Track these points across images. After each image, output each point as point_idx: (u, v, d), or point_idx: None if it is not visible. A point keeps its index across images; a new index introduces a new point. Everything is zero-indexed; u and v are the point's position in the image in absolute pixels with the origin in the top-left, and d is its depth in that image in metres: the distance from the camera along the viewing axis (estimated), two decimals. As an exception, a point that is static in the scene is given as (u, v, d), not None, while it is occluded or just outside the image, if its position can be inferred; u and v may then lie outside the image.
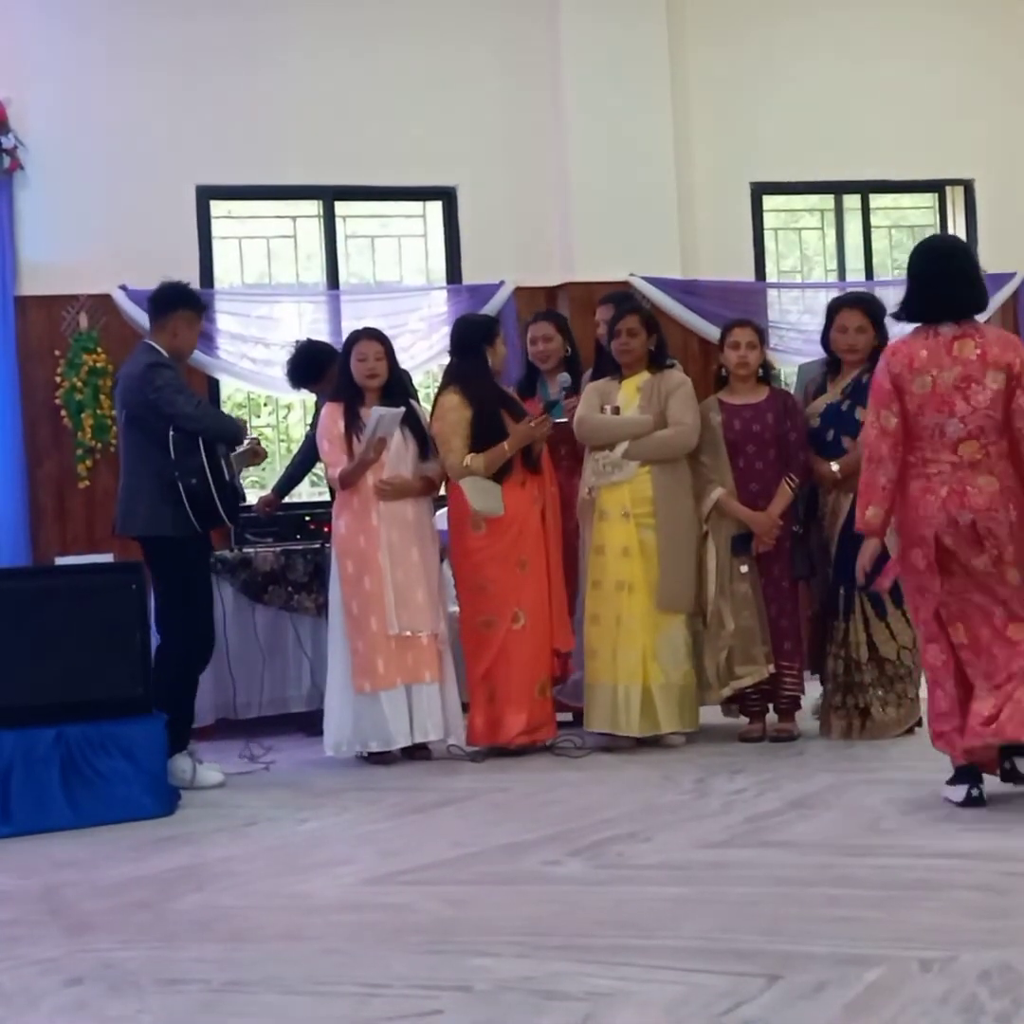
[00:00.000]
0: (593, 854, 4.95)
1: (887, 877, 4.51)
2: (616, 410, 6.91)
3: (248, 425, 7.20)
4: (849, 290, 9.02)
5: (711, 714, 7.16)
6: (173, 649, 6.48)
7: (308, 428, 7.78)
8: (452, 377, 7.02)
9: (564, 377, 7.33)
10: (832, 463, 6.79)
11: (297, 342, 7.77)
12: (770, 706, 7.03)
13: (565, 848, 5.04)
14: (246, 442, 6.90)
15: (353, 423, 6.78)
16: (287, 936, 4.21)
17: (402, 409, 6.78)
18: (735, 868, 4.73)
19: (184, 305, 6.59)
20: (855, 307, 6.94)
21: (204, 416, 6.44)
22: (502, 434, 6.81)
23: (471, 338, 6.99)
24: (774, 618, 6.88)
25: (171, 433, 6.31)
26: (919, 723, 6.87)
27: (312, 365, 7.56)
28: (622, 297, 7.47)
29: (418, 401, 7.20)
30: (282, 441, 9.15)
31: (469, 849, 5.12)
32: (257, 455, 6.88)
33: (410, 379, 7.62)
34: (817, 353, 7.65)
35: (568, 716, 7.29)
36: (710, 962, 3.73)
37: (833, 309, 7.00)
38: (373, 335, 6.95)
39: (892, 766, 6.21)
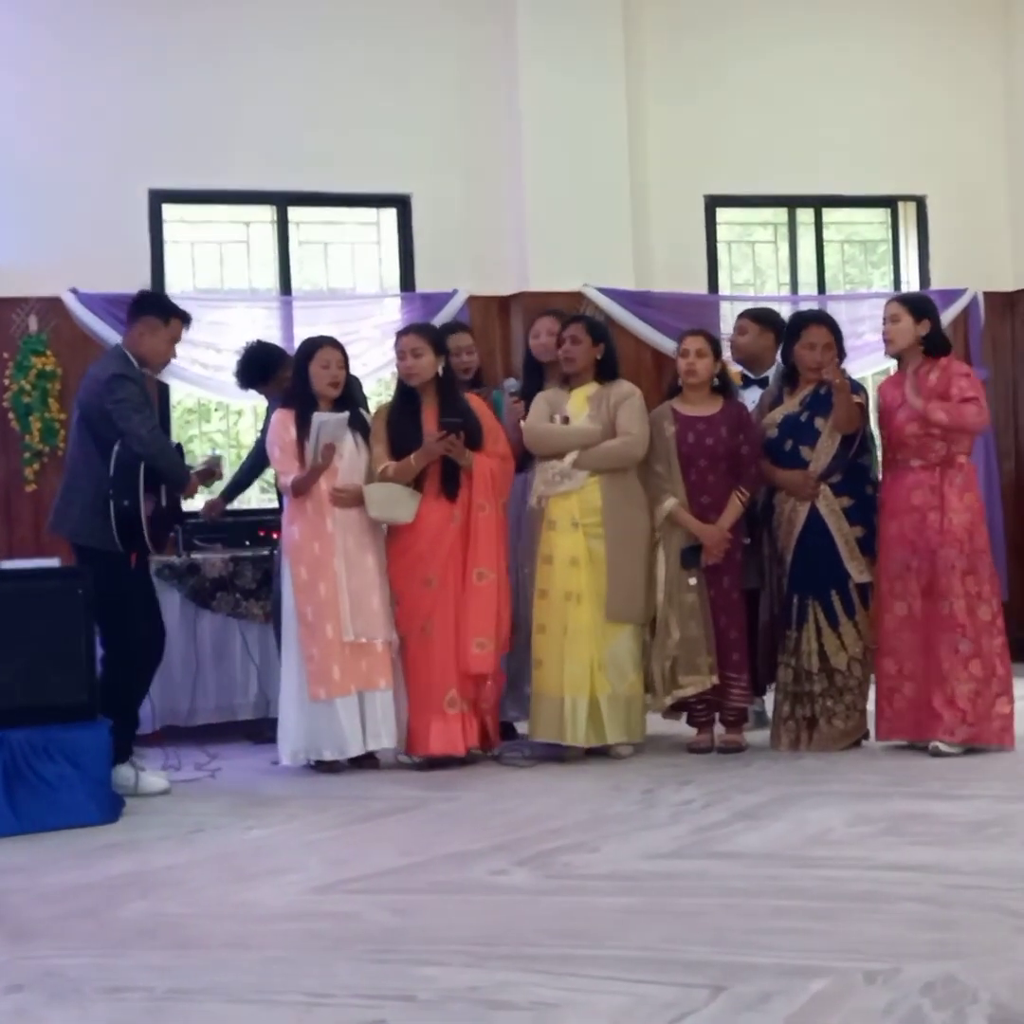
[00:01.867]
0: (540, 864, 4.95)
1: (833, 889, 4.52)
2: (565, 420, 6.91)
3: (218, 455, 7.12)
4: (803, 305, 9.10)
5: (660, 725, 7.17)
6: (115, 656, 6.43)
7: (258, 434, 7.74)
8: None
9: (510, 382, 7.35)
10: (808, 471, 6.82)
11: (247, 343, 7.75)
12: (717, 717, 7.04)
13: (512, 858, 5.03)
14: (201, 462, 6.89)
15: (304, 430, 6.75)
16: (232, 944, 4.18)
17: (345, 414, 6.75)
18: (682, 879, 4.73)
19: (145, 311, 6.52)
20: (822, 324, 6.98)
21: (152, 443, 6.31)
22: (411, 442, 6.80)
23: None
24: (722, 630, 6.89)
25: (116, 447, 6.26)
26: (866, 736, 6.91)
27: (262, 366, 7.54)
28: (562, 313, 7.46)
29: (367, 409, 7.18)
30: (232, 447, 9.10)
31: (416, 858, 5.11)
32: (213, 475, 6.85)
33: (360, 386, 7.61)
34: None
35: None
36: (656, 972, 3.73)
37: (798, 325, 7.04)
38: (335, 344, 6.93)
39: (839, 778, 6.24)
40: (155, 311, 6.54)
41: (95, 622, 6.39)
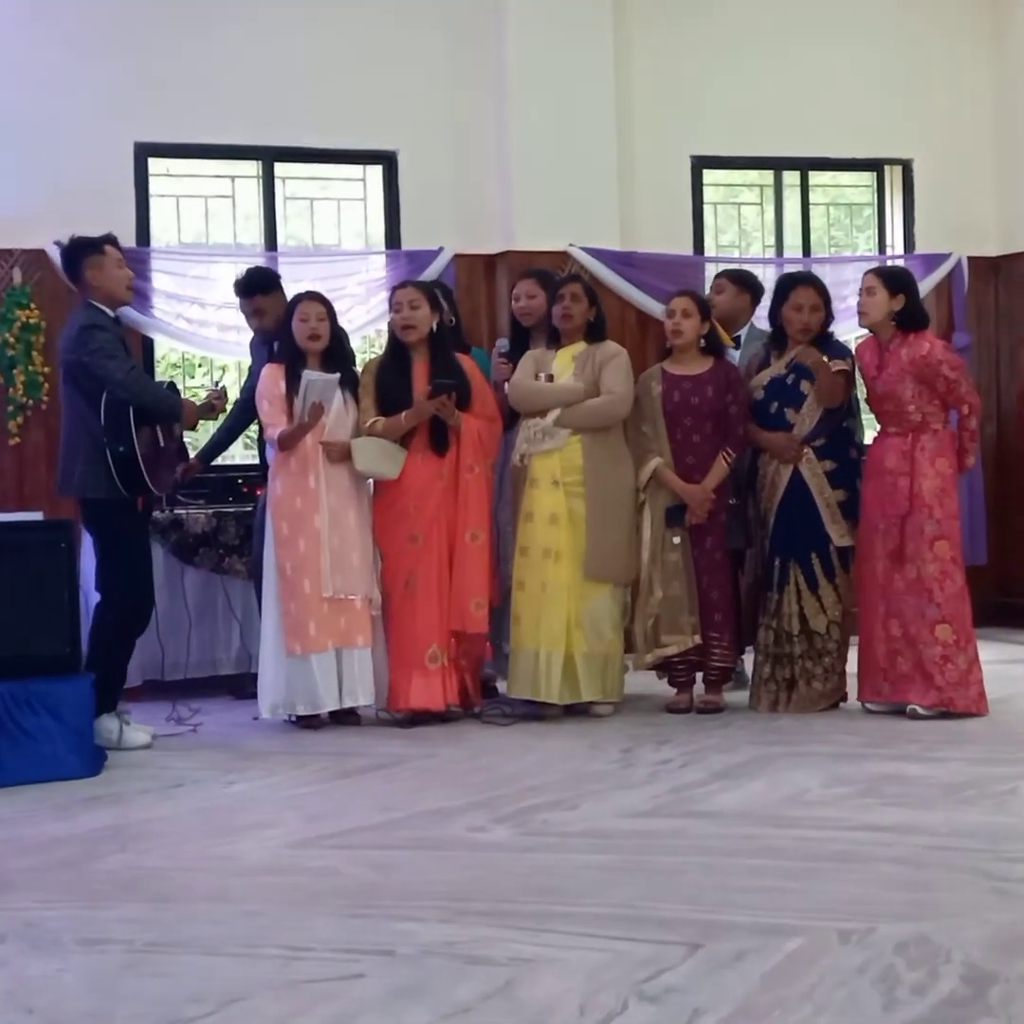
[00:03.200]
0: (519, 821, 4.98)
1: (808, 849, 4.56)
2: (549, 378, 6.92)
3: (219, 386, 7.07)
4: (788, 268, 9.10)
5: (640, 684, 7.21)
6: (109, 609, 6.45)
7: (240, 394, 7.72)
8: None
9: (502, 342, 7.36)
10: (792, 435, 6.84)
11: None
12: (698, 676, 7.08)
13: (491, 815, 5.06)
14: (205, 395, 6.89)
15: (293, 385, 6.75)
16: (211, 898, 4.21)
17: (335, 375, 6.76)
18: (659, 838, 4.77)
19: (80, 256, 6.46)
20: (810, 286, 6.98)
21: (133, 384, 6.31)
22: (402, 398, 6.82)
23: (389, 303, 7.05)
24: (705, 590, 6.92)
25: (104, 396, 6.26)
26: (845, 698, 6.96)
27: (265, 278, 7.57)
28: (543, 273, 7.47)
29: (355, 364, 7.18)
30: (225, 388, 9.07)
31: (395, 814, 5.14)
32: (214, 409, 6.83)
33: (347, 339, 7.61)
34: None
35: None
36: (632, 930, 3.77)
37: (786, 286, 7.01)
38: (316, 297, 6.94)
39: (817, 739, 6.28)
40: (87, 250, 6.46)
41: (101, 572, 6.42)
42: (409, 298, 6.89)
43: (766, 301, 7.36)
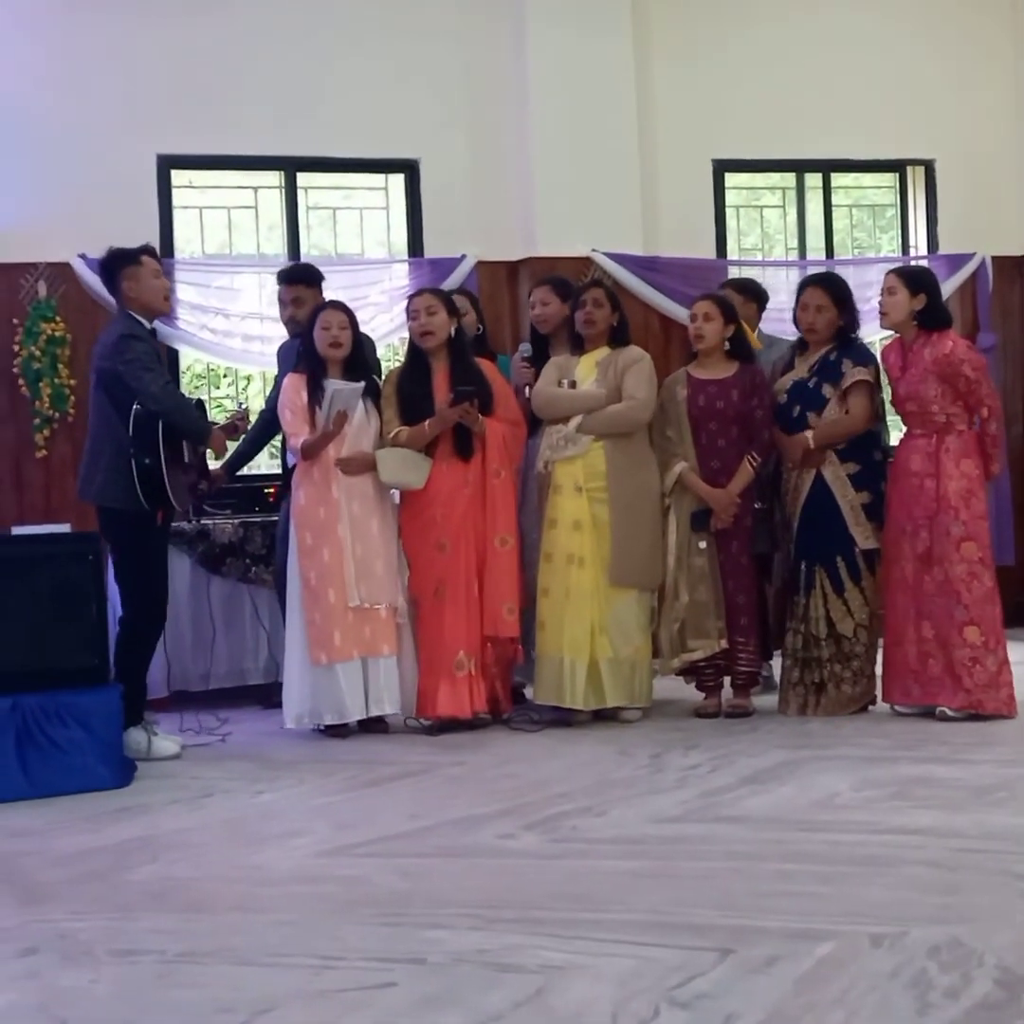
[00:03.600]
0: (548, 828, 4.97)
1: (839, 853, 4.55)
2: (572, 384, 6.92)
3: (245, 408, 7.11)
4: (811, 270, 9.08)
5: (668, 689, 7.20)
6: (135, 619, 6.48)
7: (265, 404, 7.72)
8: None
9: (525, 347, 7.37)
10: (806, 431, 6.82)
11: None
12: (726, 681, 7.06)
13: (520, 822, 5.06)
14: (227, 416, 6.92)
15: (315, 394, 6.77)
16: (241, 907, 4.22)
17: (361, 384, 6.77)
18: (689, 843, 4.76)
19: (119, 266, 6.50)
20: (817, 286, 6.97)
21: (166, 399, 6.32)
22: (423, 407, 6.82)
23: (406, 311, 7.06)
24: (731, 594, 6.91)
25: (135, 407, 6.27)
26: (873, 701, 6.94)
27: (312, 270, 7.60)
28: (559, 280, 7.47)
29: (380, 373, 7.20)
30: (248, 409, 9.09)
31: (424, 822, 5.14)
32: (237, 429, 6.86)
33: (373, 348, 7.62)
34: (782, 330, 7.69)
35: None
36: (663, 936, 3.76)
37: (799, 288, 7.08)
38: (338, 306, 6.96)
39: (845, 742, 6.26)
40: (124, 261, 6.50)
41: (119, 583, 6.44)
42: (426, 305, 6.91)
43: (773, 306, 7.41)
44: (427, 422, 6.79)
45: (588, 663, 6.78)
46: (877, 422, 6.96)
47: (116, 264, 6.52)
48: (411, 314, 6.97)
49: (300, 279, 7.51)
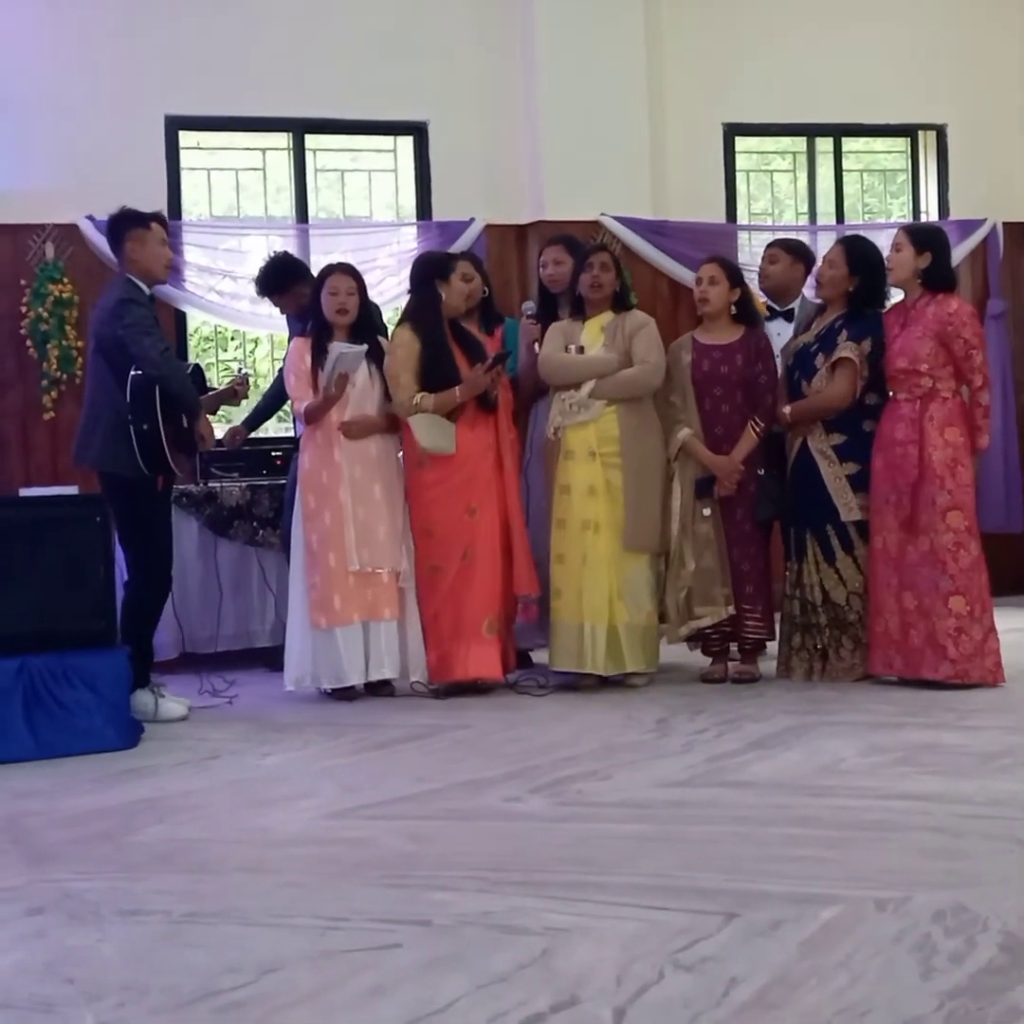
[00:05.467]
0: (554, 791, 4.98)
1: (845, 818, 4.55)
2: (580, 350, 6.90)
3: (246, 373, 7.08)
4: (821, 235, 9.06)
5: (674, 654, 7.20)
6: (140, 582, 6.48)
7: (280, 362, 7.70)
8: (406, 314, 7.07)
9: (528, 305, 7.35)
10: (785, 407, 6.80)
11: (272, 252, 7.75)
12: (733, 647, 7.06)
13: (526, 785, 5.06)
14: (227, 381, 6.90)
15: (320, 358, 6.75)
16: (248, 869, 4.22)
17: (364, 347, 6.75)
18: (694, 807, 4.76)
19: (125, 228, 6.47)
20: (840, 244, 6.95)
21: (164, 365, 6.27)
22: (450, 371, 6.81)
23: (424, 274, 6.98)
24: (736, 561, 6.90)
25: (132, 371, 6.25)
26: (871, 670, 6.93)
27: (279, 275, 7.53)
28: (571, 239, 7.43)
29: (387, 337, 7.18)
30: (249, 374, 9.09)
31: (430, 785, 5.14)
32: (236, 395, 6.84)
33: (380, 314, 7.60)
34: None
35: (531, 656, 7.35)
36: (668, 899, 3.76)
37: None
38: (346, 270, 6.93)
39: (852, 708, 6.26)
40: (133, 223, 6.48)
41: (123, 548, 6.44)
42: (465, 271, 7.02)
43: None
44: (458, 388, 6.77)
45: (607, 629, 6.78)
46: (873, 393, 6.82)
47: (125, 224, 6.49)
48: (466, 278, 7.02)
49: (269, 290, 7.56)
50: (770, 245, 7.64)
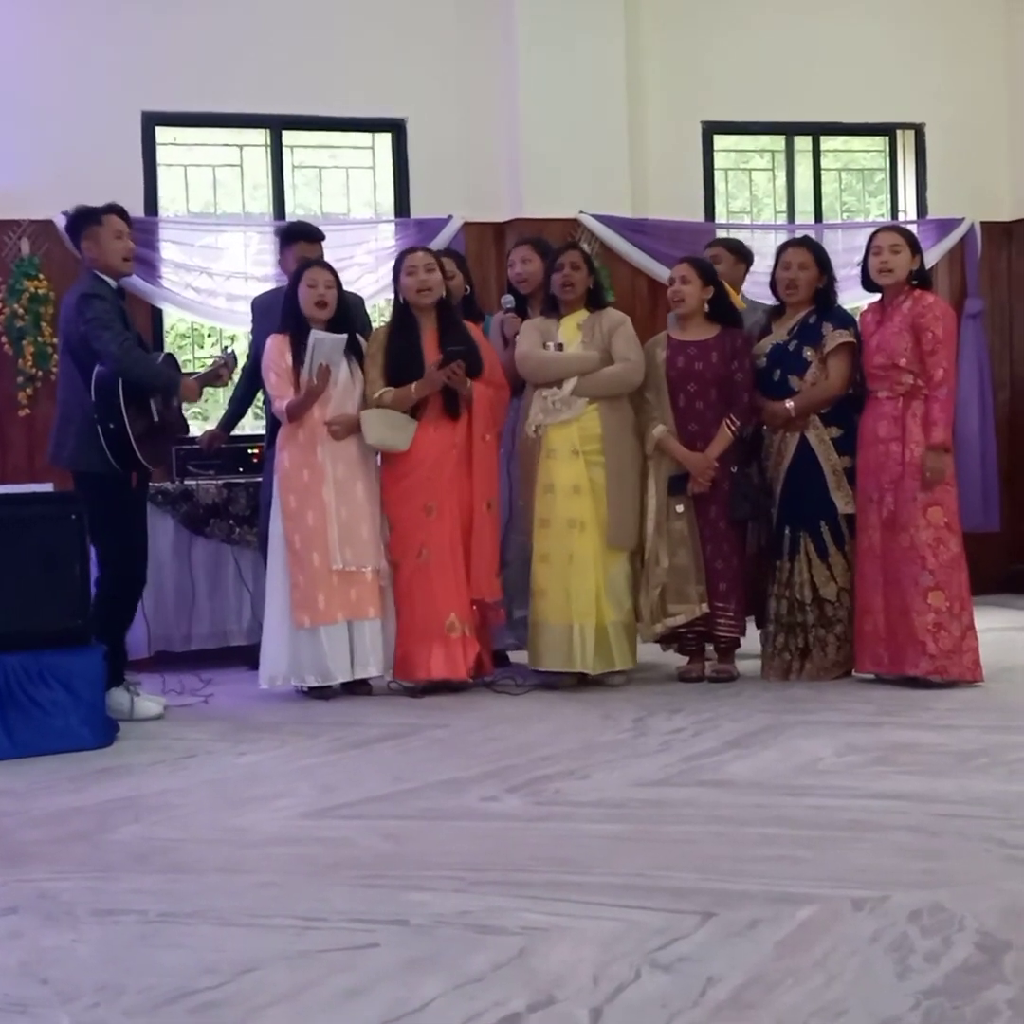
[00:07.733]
0: (531, 791, 4.98)
1: (822, 817, 4.55)
2: (559, 347, 6.89)
3: (232, 352, 7.01)
4: (799, 234, 9.04)
5: (651, 654, 7.20)
6: (113, 581, 6.44)
7: (247, 361, 7.64)
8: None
9: (507, 298, 7.33)
10: (787, 401, 6.80)
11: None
12: (709, 646, 7.06)
13: (503, 785, 5.06)
14: (211, 362, 6.85)
15: (300, 355, 6.72)
16: (224, 868, 4.21)
17: (343, 336, 6.72)
18: (672, 807, 4.76)
19: (80, 226, 6.42)
20: (800, 246, 6.98)
21: (123, 357, 6.19)
22: (413, 367, 6.78)
23: (394, 270, 7.00)
24: (709, 559, 6.89)
25: (96, 369, 6.21)
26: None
27: (308, 226, 7.56)
28: (539, 240, 7.44)
29: (369, 330, 7.16)
30: (234, 352, 9.04)
31: (407, 784, 5.14)
32: (220, 377, 6.79)
33: (362, 306, 7.58)
34: (764, 293, 7.64)
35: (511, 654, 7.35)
36: (645, 899, 3.76)
37: (779, 251, 7.05)
38: (323, 265, 6.91)
39: (829, 707, 6.27)
40: (85, 220, 6.43)
41: (95, 546, 6.40)
42: (426, 262, 6.86)
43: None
44: (414, 384, 6.75)
45: (595, 628, 6.78)
46: (858, 386, 6.87)
47: (78, 223, 6.46)
48: (408, 270, 6.89)
49: (299, 237, 7.46)
50: (711, 244, 7.78)
